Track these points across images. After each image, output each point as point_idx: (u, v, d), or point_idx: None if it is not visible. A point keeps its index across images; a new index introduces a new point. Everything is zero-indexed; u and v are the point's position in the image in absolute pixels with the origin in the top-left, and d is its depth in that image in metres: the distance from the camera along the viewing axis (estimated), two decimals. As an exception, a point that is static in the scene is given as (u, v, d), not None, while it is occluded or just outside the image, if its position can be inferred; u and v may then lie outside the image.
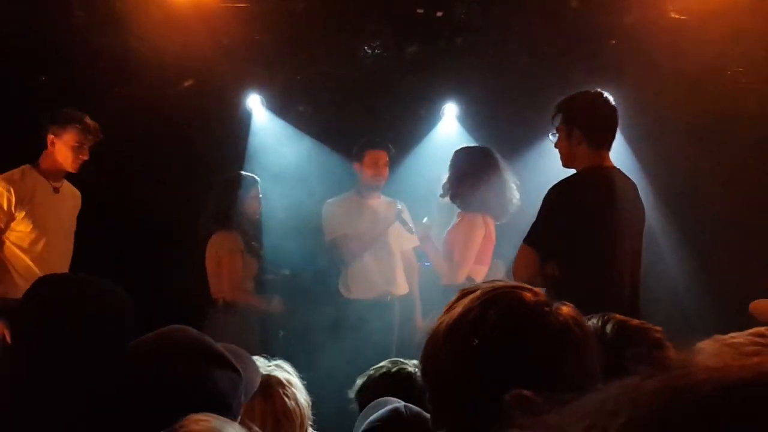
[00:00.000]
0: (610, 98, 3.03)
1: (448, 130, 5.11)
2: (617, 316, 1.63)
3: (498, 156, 3.81)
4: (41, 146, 3.81)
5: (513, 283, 1.12)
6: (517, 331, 1.03)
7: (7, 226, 3.67)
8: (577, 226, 2.84)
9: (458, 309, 1.07)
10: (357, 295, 4.37)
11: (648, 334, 1.60)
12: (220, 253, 4.11)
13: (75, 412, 1.37)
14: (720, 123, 4.52)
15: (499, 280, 1.14)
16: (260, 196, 4.26)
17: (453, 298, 1.14)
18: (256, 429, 1.15)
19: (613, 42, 4.69)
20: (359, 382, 2.09)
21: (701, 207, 4.66)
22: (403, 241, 4.49)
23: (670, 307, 4.25)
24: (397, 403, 1.58)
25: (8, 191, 3.65)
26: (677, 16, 4.38)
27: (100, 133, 3.84)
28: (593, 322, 1.61)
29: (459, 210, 3.83)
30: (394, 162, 4.60)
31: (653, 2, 4.51)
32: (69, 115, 3.79)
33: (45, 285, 1.83)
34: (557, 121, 3.04)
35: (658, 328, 1.63)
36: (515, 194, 3.79)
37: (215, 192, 4.22)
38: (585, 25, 4.60)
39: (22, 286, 3.67)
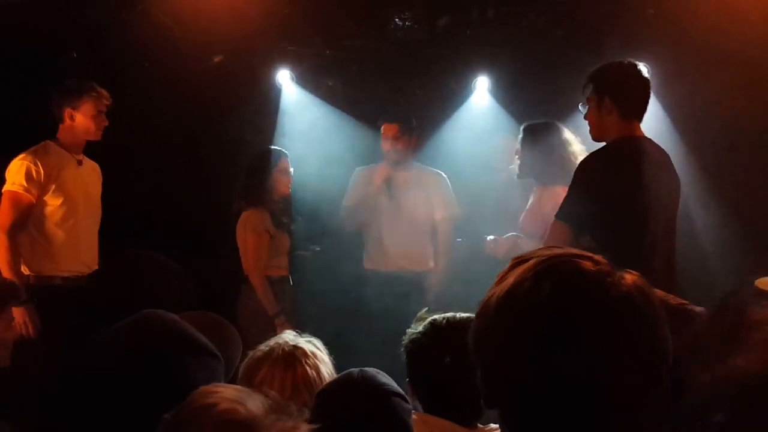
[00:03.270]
0: (644, 68, 2.97)
1: (480, 103, 5.03)
2: (658, 292, 1.57)
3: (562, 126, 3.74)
4: (55, 122, 3.81)
5: (571, 250, 1.02)
6: (574, 303, 0.95)
7: (39, 199, 3.70)
8: (610, 199, 2.79)
9: (510, 280, 0.99)
10: (373, 266, 4.44)
11: (688, 314, 1.54)
12: (246, 231, 4.11)
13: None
14: (763, 94, 4.37)
15: (557, 248, 1.04)
16: (290, 170, 4.24)
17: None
18: (274, 394, 1.13)
19: (651, 11, 4.55)
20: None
21: (743, 183, 4.52)
22: (436, 210, 4.45)
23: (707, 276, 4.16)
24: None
25: (35, 164, 3.67)
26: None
27: (110, 97, 3.86)
28: None
29: (536, 186, 3.73)
30: (424, 135, 4.58)
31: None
32: (81, 86, 3.80)
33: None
34: (588, 92, 2.99)
35: (699, 309, 1.57)
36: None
37: (245, 169, 4.22)
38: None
39: (60, 261, 3.75)
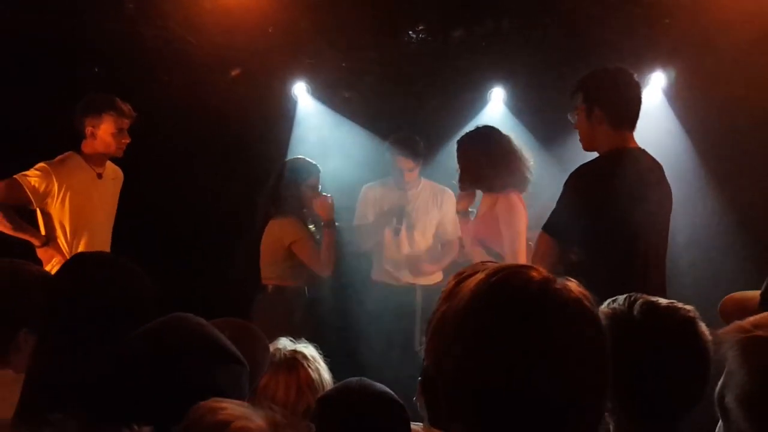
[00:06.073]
0: (634, 75, 2.87)
1: (495, 114, 5.03)
2: (645, 296, 1.57)
3: (499, 130, 3.64)
4: (80, 135, 3.86)
5: (516, 263, 1.02)
6: (528, 313, 0.95)
7: (41, 204, 3.72)
8: (600, 212, 2.68)
9: (465, 295, 0.98)
10: (382, 279, 4.52)
11: (678, 313, 1.55)
12: (285, 240, 4.01)
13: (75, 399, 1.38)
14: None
15: (492, 262, 1.04)
16: (319, 186, 4.15)
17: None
18: (275, 407, 1.14)
19: (667, 21, 4.54)
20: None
21: (760, 194, 4.48)
22: (445, 228, 4.53)
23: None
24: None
25: (47, 173, 3.71)
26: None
27: (133, 112, 3.87)
28: (619, 303, 1.55)
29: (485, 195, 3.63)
30: (437, 147, 4.66)
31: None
32: (101, 103, 3.81)
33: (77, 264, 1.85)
34: (577, 101, 2.89)
35: (689, 307, 1.57)
36: (530, 160, 3.60)
37: (276, 175, 4.12)
38: (637, 4, 4.46)
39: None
